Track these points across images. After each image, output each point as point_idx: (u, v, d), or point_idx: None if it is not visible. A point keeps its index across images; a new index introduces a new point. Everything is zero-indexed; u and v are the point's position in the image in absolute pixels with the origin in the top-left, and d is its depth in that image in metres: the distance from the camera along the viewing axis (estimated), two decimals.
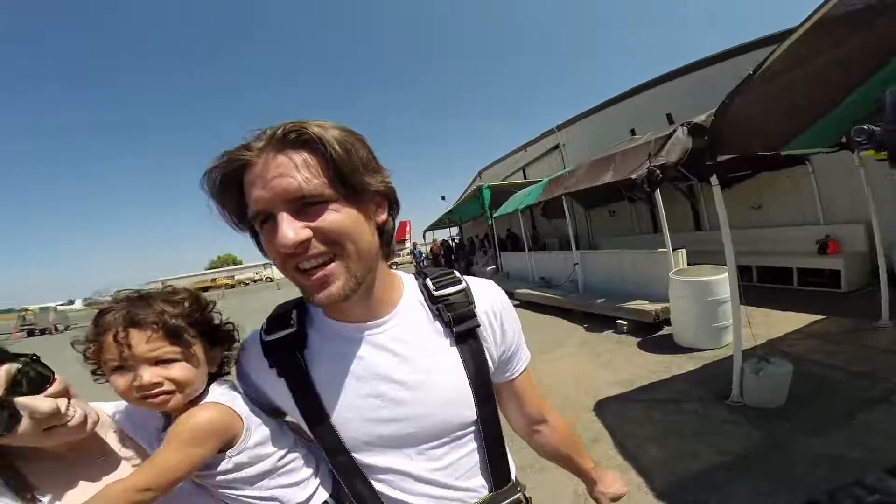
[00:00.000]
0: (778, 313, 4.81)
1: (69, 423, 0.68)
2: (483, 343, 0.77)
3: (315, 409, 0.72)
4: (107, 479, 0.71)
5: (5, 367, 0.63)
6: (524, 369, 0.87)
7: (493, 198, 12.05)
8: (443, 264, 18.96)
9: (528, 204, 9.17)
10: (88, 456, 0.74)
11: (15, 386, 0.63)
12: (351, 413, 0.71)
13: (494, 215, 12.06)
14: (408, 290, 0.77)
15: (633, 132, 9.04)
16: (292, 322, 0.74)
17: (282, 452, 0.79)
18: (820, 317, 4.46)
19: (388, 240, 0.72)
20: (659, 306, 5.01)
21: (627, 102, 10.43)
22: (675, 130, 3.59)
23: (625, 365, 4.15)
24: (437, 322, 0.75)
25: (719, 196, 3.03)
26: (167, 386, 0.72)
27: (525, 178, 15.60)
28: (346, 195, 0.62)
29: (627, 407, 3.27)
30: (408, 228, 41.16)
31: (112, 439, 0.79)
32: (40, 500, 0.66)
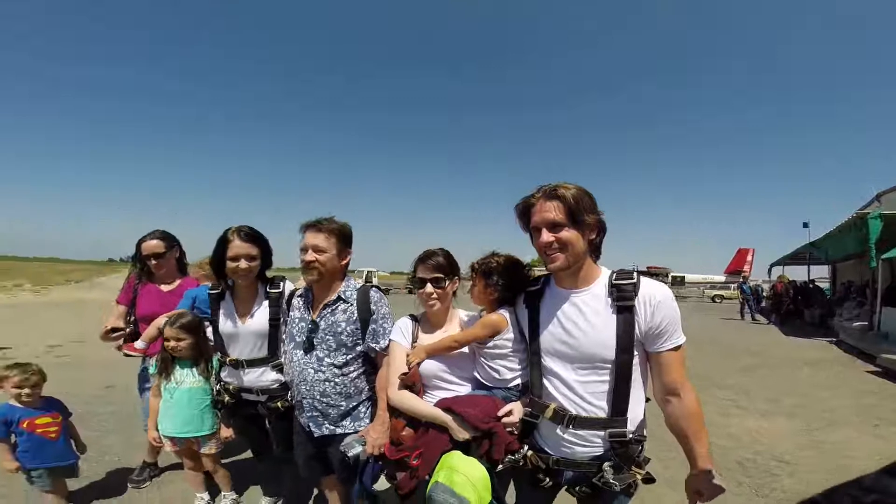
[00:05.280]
0: None
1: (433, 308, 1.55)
2: (635, 317, 1.16)
3: (534, 327, 1.31)
4: (448, 332, 1.55)
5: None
6: (670, 349, 1.19)
7: (887, 231, 8.80)
8: (789, 309, 14.89)
9: None
10: (445, 323, 1.60)
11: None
12: (548, 332, 1.27)
13: (884, 256, 8.81)
14: (602, 278, 1.25)
15: None
16: (539, 284, 1.36)
17: (513, 348, 1.40)
18: None
19: (595, 248, 1.27)
20: None
21: None
22: None
23: None
24: (609, 298, 1.20)
25: None
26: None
27: None
28: (573, 224, 1.18)
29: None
30: (748, 258, 30.64)
31: (456, 319, 1.62)
32: (417, 337, 1.57)
